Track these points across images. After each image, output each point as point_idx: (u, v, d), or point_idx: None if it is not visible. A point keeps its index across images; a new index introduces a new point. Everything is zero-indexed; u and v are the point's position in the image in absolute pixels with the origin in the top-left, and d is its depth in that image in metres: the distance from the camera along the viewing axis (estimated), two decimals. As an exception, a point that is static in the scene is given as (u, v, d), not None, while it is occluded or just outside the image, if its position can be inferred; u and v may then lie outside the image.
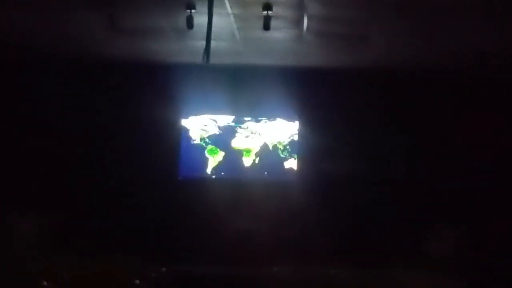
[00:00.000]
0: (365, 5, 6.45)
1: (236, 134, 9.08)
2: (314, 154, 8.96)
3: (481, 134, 8.68)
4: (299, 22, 6.98)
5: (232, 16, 6.87)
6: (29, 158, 8.82)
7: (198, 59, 6.47)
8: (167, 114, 8.91)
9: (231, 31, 7.33)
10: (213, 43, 6.41)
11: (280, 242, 8.63)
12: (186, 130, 9.08)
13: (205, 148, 9.10)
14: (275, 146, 9.08)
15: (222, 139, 9.11)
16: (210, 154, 9.11)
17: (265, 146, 9.08)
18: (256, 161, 9.09)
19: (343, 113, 8.99)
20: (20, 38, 7.93)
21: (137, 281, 5.47)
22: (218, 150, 9.11)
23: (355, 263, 6.69)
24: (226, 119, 9.09)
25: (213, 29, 6.32)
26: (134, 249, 7.26)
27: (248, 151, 9.09)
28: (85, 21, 7.14)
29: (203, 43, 6.38)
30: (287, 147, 9.07)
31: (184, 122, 9.08)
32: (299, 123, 9.04)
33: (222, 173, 9.09)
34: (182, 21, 6.72)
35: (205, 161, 9.10)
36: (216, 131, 9.10)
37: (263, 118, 9.07)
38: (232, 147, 9.09)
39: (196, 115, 9.08)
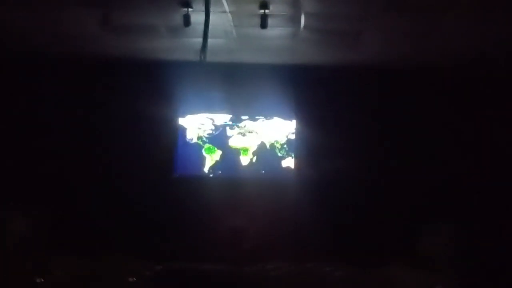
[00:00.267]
0: (362, 2, 6.46)
1: (233, 133, 9.07)
2: (311, 153, 8.96)
3: (477, 133, 8.69)
4: (296, 20, 6.98)
5: (229, 14, 6.87)
6: (25, 156, 8.81)
7: (195, 57, 6.48)
8: (164, 112, 8.89)
9: (228, 29, 7.33)
10: (210, 41, 6.41)
11: (276, 240, 8.62)
12: (183, 129, 9.07)
13: (202, 147, 9.09)
14: (272, 145, 9.07)
15: (219, 138, 9.09)
16: (207, 153, 9.10)
17: (262, 145, 9.07)
18: (253, 160, 9.08)
19: (340, 111, 8.97)
20: (14, 37, 7.92)
21: (133, 279, 5.46)
22: (215, 149, 9.10)
23: (350, 261, 6.69)
24: (223, 118, 9.08)
25: (210, 27, 6.32)
26: (129, 247, 7.26)
27: (245, 150, 9.08)
28: (80, 19, 7.14)
29: (200, 41, 6.37)
30: (284, 146, 9.06)
31: (181, 121, 9.07)
32: (296, 121, 9.03)
33: (219, 172, 9.08)
34: (178, 19, 6.73)
35: (202, 160, 9.09)
36: (213, 129, 9.09)
37: (260, 117, 9.06)
38: (229, 146, 9.08)
39: (193, 113, 9.06)
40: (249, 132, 9.06)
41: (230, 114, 9.07)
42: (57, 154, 8.84)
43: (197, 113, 9.07)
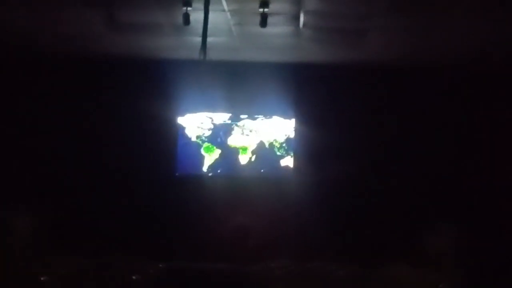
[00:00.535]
0: (363, 1, 6.46)
1: (233, 132, 9.05)
2: (310, 151, 8.95)
3: (479, 132, 8.69)
4: (296, 18, 6.97)
5: (228, 12, 6.86)
6: (26, 156, 8.81)
7: (195, 55, 6.46)
8: (164, 111, 8.88)
9: (227, 27, 7.32)
10: (209, 40, 6.40)
11: (277, 239, 8.62)
12: (182, 128, 9.05)
13: (201, 145, 9.08)
14: (271, 144, 9.05)
15: (218, 137, 9.08)
16: (206, 152, 9.09)
17: (261, 143, 9.06)
18: (253, 159, 9.07)
19: (340, 110, 8.98)
20: (17, 36, 7.92)
21: (135, 278, 5.45)
22: (214, 147, 9.09)
23: (352, 260, 6.69)
24: (223, 117, 9.07)
25: (209, 25, 6.31)
26: (131, 246, 7.25)
27: (245, 149, 9.07)
28: (82, 18, 7.13)
29: (200, 39, 6.36)
30: (284, 144, 9.05)
31: (180, 120, 9.05)
32: (296, 120, 9.02)
33: (219, 171, 9.07)
34: (178, 18, 6.71)
35: (201, 159, 9.07)
36: (212, 129, 9.07)
37: (260, 116, 9.05)
38: (228, 145, 9.07)
39: (192, 112, 9.05)
40: (249, 131, 9.04)
41: (229, 113, 9.05)
42: (58, 153, 8.83)
43: (196, 112, 9.05)
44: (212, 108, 9.04)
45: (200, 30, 6.34)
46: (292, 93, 8.90)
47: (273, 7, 6.62)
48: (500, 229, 8.13)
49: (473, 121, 8.75)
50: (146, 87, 8.92)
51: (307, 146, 8.97)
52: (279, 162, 9.06)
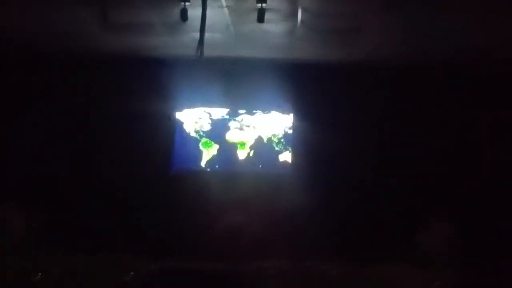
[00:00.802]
0: (360, -1, 6.46)
1: (231, 127, 9.05)
2: (308, 147, 8.95)
3: (477, 131, 8.68)
4: (293, 15, 6.96)
5: (226, 8, 6.85)
6: (19, 154, 8.79)
7: (192, 52, 6.46)
8: (161, 107, 8.88)
9: (225, 24, 7.31)
10: (207, 36, 6.40)
11: (274, 236, 8.62)
12: (180, 123, 9.06)
13: (199, 141, 9.08)
14: (269, 139, 9.06)
15: (216, 132, 9.08)
16: (204, 147, 9.09)
17: (259, 139, 9.06)
18: (251, 154, 9.07)
19: (338, 107, 8.96)
20: (12, 36, 7.89)
21: (130, 276, 5.46)
22: (212, 143, 9.09)
23: (348, 258, 6.70)
24: (220, 112, 9.06)
25: (207, 22, 6.30)
26: (126, 244, 7.26)
27: (243, 144, 9.07)
28: (77, 16, 7.11)
29: (197, 36, 6.36)
30: (282, 140, 9.05)
31: (178, 115, 9.06)
32: (294, 116, 9.02)
33: (217, 166, 9.08)
34: (175, 14, 6.71)
35: (199, 154, 9.08)
36: (210, 124, 9.07)
37: (258, 111, 9.05)
38: (226, 140, 9.07)
39: (190, 108, 9.05)
40: (246, 126, 9.04)
41: (227, 108, 9.05)
42: (52, 151, 8.81)
43: (194, 107, 9.05)
44: (210, 103, 9.04)
45: (198, 27, 6.34)
46: (290, 89, 8.89)
47: (270, 2, 6.62)
48: (497, 228, 8.13)
49: (470, 120, 8.72)
50: (143, 84, 8.87)
51: (306, 142, 8.97)
52: (277, 157, 9.06)
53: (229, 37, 7.83)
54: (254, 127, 9.05)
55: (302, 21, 7.05)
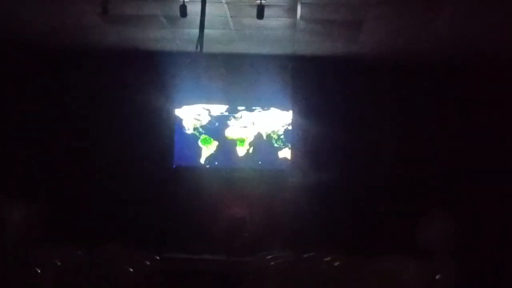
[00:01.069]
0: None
1: (230, 124, 9.05)
2: (308, 143, 8.96)
3: (477, 124, 8.68)
4: (293, 10, 6.96)
5: (225, 4, 6.85)
6: (21, 147, 8.81)
7: (192, 47, 6.44)
8: (161, 103, 8.89)
9: (224, 19, 7.31)
10: (206, 32, 6.37)
11: (274, 230, 8.65)
12: (179, 120, 9.06)
13: (199, 137, 9.08)
14: (269, 136, 9.06)
15: (215, 129, 9.08)
16: (204, 144, 9.09)
17: (259, 135, 9.06)
18: (250, 151, 9.07)
19: (337, 102, 8.98)
20: (12, 29, 7.89)
21: (131, 269, 5.46)
22: (212, 139, 9.09)
23: (348, 251, 6.70)
24: (220, 109, 9.06)
25: (206, 17, 6.28)
26: (128, 238, 7.26)
27: (242, 141, 9.07)
28: (78, 10, 7.11)
29: (197, 31, 6.33)
30: (281, 136, 9.05)
31: (177, 112, 9.05)
32: (293, 112, 9.02)
33: (216, 163, 9.08)
34: (175, 9, 6.69)
35: (198, 151, 9.08)
36: (210, 120, 9.07)
37: (257, 108, 9.05)
38: (225, 137, 9.07)
39: (189, 104, 9.05)
40: (246, 122, 9.04)
41: (226, 104, 9.05)
42: (53, 145, 8.83)
43: (193, 103, 9.05)
44: (209, 100, 9.04)
45: (197, 22, 6.30)
46: (289, 85, 8.92)
47: (270, -2, 6.62)
48: (497, 219, 8.14)
49: (472, 113, 8.73)
50: (143, 79, 8.90)
51: (305, 138, 8.98)
52: (277, 154, 9.07)
53: (228, 33, 7.84)
54: (253, 123, 9.05)
55: (301, 15, 7.05)
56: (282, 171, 9.02)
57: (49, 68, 8.95)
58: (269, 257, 6.55)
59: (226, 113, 9.06)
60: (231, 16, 7.24)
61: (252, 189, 8.87)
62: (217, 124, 9.06)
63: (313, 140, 8.93)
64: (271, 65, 8.76)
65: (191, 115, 9.06)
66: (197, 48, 6.31)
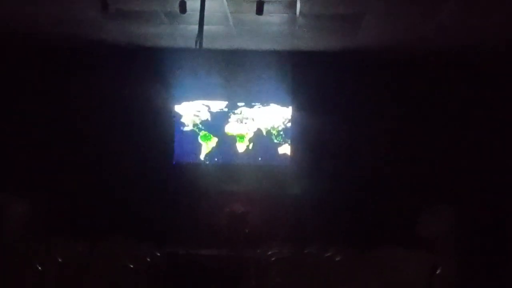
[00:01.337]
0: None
1: (230, 120, 9.06)
2: (308, 139, 8.96)
3: (478, 117, 8.69)
4: (292, 6, 6.96)
5: (225, 0, 6.85)
6: (23, 142, 8.82)
7: (191, 43, 6.45)
8: (160, 99, 8.89)
9: (224, 15, 7.31)
10: (206, 28, 6.38)
11: (273, 225, 8.66)
12: (179, 116, 9.06)
13: (198, 134, 9.09)
14: (268, 132, 9.07)
15: (215, 125, 9.09)
16: (203, 140, 9.10)
17: (258, 131, 9.06)
18: (250, 147, 9.08)
19: (337, 97, 8.97)
20: (11, 24, 7.89)
21: (132, 264, 5.47)
22: (211, 136, 9.09)
23: (348, 245, 6.71)
24: (219, 105, 9.07)
25: (206, 13, 6.29)
26: (129, 233, 7.27)
27: (242, 137, 9.07)
28: (78, 5, 7.11)
29: (196, 27, 6.34)
30: (281, 132, 9.06)
31: (177, 108, 9.06)
32: (293, 108, 9.02)
33: (216, 159, 9.08)
34: (175, 5, 6.69)
35: (198, 147, 9.09)
36: (209, 117, 9.07)
37: (257, 103, 9.05)
38: (225, 133, 9.08)
39: (189, 100, 9.06)
40: (246, 118, 9.04)
41: (226, 100, 9.05)
42: (54, 140, 8.84)
43: (193, 100, 9.05)
44: (208, 96, 9.04)
45: (197, 18, 6.32)
46: (289, 80, 8.91)
47: (269, -6, 6.62)
48: (498, 211, 8.14)
49: (472, 106, 8.74)
50: (142, 76, 8.91)
51: (305, 134, 8.99)
52: (276, 149, 9.08)
53: (228, 29, 7.85)
54: (253, 119, 9.05)
55: (301, 11, 7.05)
56: (282, 167, 9.02)
57: (48, 64, 8.94)
58: (270, 252, 6.55)
59: (226, 109, 9.07)
60: (230, 12, 7.24)
61: (252, 185, 8.87)
62: (217, 120, 9.05)
63: (312, 136, 8.93)
64: (271, 61, 8.76)
65: (191, 111, 9.06)
66: (196, 44, 6.32)
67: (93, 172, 8.82)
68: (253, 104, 9.05)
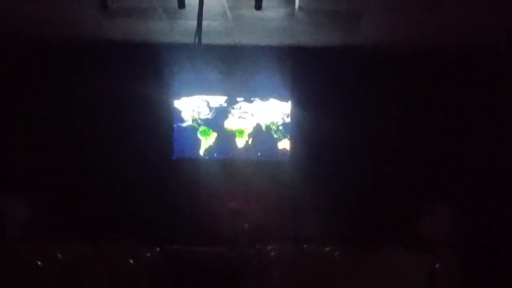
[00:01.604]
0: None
1: (229, 115, 9.04)
2: (307, 134, 8.95)
3: (478, 115, 8.67)
4: (291, 1, 6.93)
5: (223, -5, 6.85)
6: (20, 140, 8.79)
7: (190, 39, 6.44)
8: (159, 94, 8.88)
9: (223, 10, 7.29)
10: (204, 23, 6.36)
11: (272, 221, 8.66)
12: (178, 111, 9.04)
13: (197, 129, 9.07)
14: (268, 127, 9.05)
15: (214, 120, 9.07)
16: (203, 136, 9.09)
17: (258, 126, 9.05)
18: (249, 142, 9.07)
19: (336, 93, 8.95)
20: (9, 22, 7.86)
21: (131, 261, 5.48)
22: (211, 131, 9.08)
23: (347, 242, 6.72)
24: (219, 100, 9.05)
25: (204, 8, 6.27)
26: (128, 230, 7.28)
27: (241, 132, 9.06)
28: (76, 3, 7.09)
29: (195, 22, 6.33)
30: (280, 127, 9.04)
31: (176, 103, 9.04)
32: (292, 103, 9.01)
33: (215, 155, 9.07)
34: (173, 1, 6.66)
35: (197, 143, 9.08)
36: (208, 112, 9.06)
37: (256, 98, 9.03)
38: (224, 128, 9.06)
39: (188, 96, 9.04)
40: (245, 113, 9.03)
41: (225, 96, 9.04)
42: (52, 137, 8.82)
43: (192, 95, 9.04)
44: (207, 91, 9.03)
45: (195, 14, 6.30)
46: (288, 75, 8.90)
47: (268, -11, 6.59)
48: (499, 210, 8.13)
49: (471, 104, 8.71)
50: (141, 72, 8.86)
51: (304, 129, 8.97)
52: (276, 145, 9.06)
53: (226, 24, 7.82)
54: (252, 115, 9.04)
55: (300, 6, 7.03)
56: (282, 161, 9.01)
57: (46, 61, 8.90)
58: (270, 247, 6.56)
59: (225, 104, 9.05)
60: (229, 7, 7.21)
61: (251, 181, 8.87)
62: (216, 115, 9.04)
63: (312, 131, 8.91)
64: (270, 56, 8.73)
65: (190, 107, 9.05)
66: (195, 39, 6.31)
67: (92, 168, 8.80)
68: (252, 99, 9.02)
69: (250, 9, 6.78)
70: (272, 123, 9.03)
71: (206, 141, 9.07)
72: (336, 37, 8.25)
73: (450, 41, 8.13)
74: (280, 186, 8.86)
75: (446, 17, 7.17)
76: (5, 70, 8.81)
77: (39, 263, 5.18)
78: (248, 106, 9.02)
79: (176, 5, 6.59)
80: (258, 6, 6.63)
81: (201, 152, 9.05)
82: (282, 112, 9.02)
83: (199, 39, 6.31)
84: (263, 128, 9.04)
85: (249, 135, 9.05)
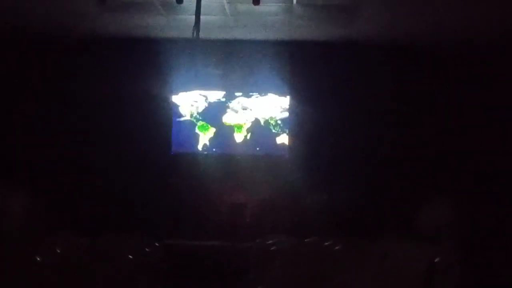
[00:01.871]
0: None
1: (227, 110, 9.04)
2: (306, 128, 8.96)
3: (477, 107, 8.68)
4: (290, -5, 6.95)
5: (222, -11, 6.84)
6: (20, 135, 8.79)
7: (188, 33, 6.43)
8: (157, 89, 8.88)
9: (221, 5, 7.28)
10: (203, 18, 6.36)
11: (272, 215, 8.67)
12: (176, 106, 9.03)
13: (196, 124, 9.07)
14: (266, 122, 9.05)
15: (212, 115, 9.06)
16: (201, 131, 9.08)
17: (256, 121, 9.05)
18: (248, 137, 9.07)
19: (335, 87, 8.96)
20: (8, 16, 7.85)
21: (131, 256, 5.48)
22: (209, 126, 9.08)
23: (348, 235, 6.73)
24: (217, 95, 9.04)
25: (202, 3, 6.27)
26: (127, 224, 7.29)
27: (240, 127, 9.06)
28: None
29: (193, 17, 6.32)
30: (279, 122, 9.04)
31: (174, 98, 9.03)
32: (290, 98, 9.01)
33: (214, 150, 9.07)
34: (171, -4, 6.67)
35: (195, 138, 9.07)
36: (207, 107, 9.05)
37: (254, 93, 9.03)
38: (223, 123, 9.05)
39: (186, 90, 9.03)
40: (243, 108, 9.03)
41: (223, 90, 9.03)
42: (52, 133, 8.82)
43: (190, 90, 9.03)
44: (206, 86, 9.02)
45: (193, 8, 6.30)
46: (286, 70, 8.90)
47: (266, -16, 6.60)
48: (498, 202, 8.14)
49: (471, 97, 8.72)
50: (139, 66, 8.87)
51: (303, 123, 8.98)
52: (274, 139, 9.06)
53: (225, 19, 7.81)
54: (251, 109, 9.03)
55: (298, 1, 7.03)
56: (280, 156, 9.01)
57: (44, 57, 8.90)
58: (270, 242, 6.57)
59: (224, 99, 9.04)
60: (227, 2, 7.21)
61: (250, 175, 8.87)
62: (214, 110, 9.03)
63: (310, 125, 8.92)
64: (268, 51, 8.74)
65: (188, 102, 9.04)
66: (193, 34, 6.30)
67: (90, 164, 8.79)
68: (250, 94, 9.02)
69: (248, 3, 6.79)
70: (271, 117, 9.03)
71: (205, 136, 9.07)
72: (334, 31, 8.25)
73: (449, 34, 8.12)
74: (279, 180, 8.86)
75: (444, 11, 7.17)
76: (3, 65, 8.79)
77: (38, 258, 5.17)
78: (246, 101, 9.02)
79: (174, 0, 6.60)
80: (256, 0, 6.65)
81: (200, 147, 9.04)
82: (281, 107, 9.02)
83: (197, 34, 6.30)
84: (262, 122, 9.04)
85: (248, 130, 9.05)
